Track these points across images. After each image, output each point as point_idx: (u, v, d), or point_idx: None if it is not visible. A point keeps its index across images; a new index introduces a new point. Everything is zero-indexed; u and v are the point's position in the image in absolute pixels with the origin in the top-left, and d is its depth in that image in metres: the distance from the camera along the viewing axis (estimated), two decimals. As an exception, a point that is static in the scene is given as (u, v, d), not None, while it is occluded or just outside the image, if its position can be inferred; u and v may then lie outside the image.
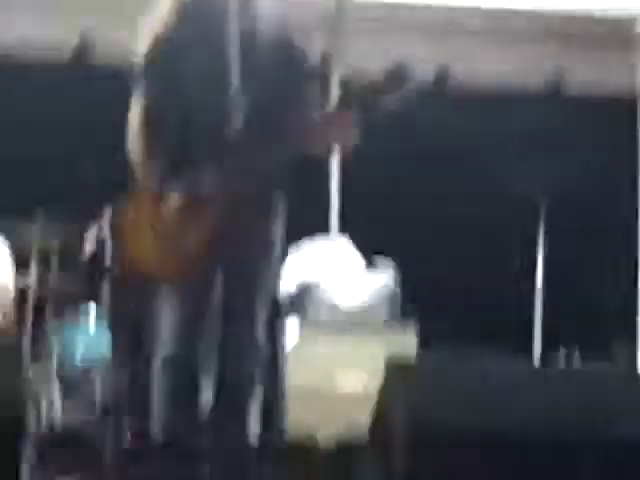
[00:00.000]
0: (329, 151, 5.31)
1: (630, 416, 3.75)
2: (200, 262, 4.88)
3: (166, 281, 4.99)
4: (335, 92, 8.67)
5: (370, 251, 8.61)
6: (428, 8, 9.16)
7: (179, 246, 4.86)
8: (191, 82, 4.96)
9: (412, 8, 9.21)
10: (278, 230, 5.11)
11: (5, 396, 3.70)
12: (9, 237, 7.58)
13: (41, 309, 7.84)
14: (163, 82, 5.00)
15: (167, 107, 5.02)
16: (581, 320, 9.19)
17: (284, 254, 5.71)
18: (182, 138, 4.95)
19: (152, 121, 4.98)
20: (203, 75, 4.94)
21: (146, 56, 5.04)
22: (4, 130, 8.62)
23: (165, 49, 5.03)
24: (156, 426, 4.97)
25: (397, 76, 4.89)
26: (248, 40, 4.97)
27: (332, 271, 8.47)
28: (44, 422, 7.18)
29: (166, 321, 5.00)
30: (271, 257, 5.10)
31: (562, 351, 8.92)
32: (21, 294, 7.71)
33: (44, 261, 7.93)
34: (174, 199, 4.82)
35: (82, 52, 9.20)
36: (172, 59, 5.00)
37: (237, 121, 4.83)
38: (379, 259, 8.53)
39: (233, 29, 4.96)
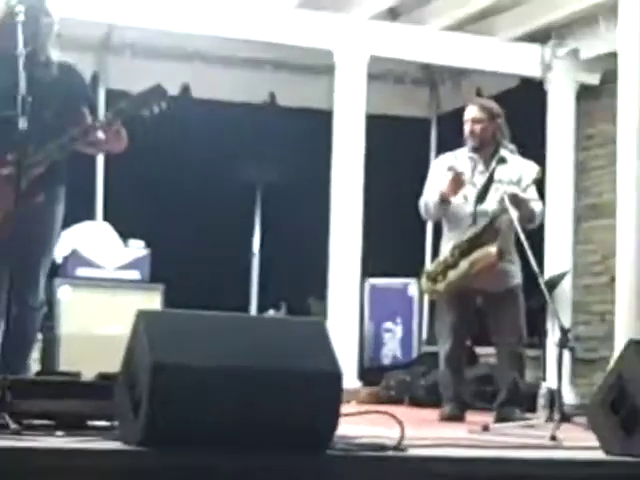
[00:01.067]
0: (99, 152, 5.48)
1: (312, 352, 3.62)
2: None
3: None
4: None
5: (128, 232, 9.05)
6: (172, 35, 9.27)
7: None
8: None
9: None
10: (60, 212, 5.25)
11: None
12: None
13: None
14: None
15: None
16: (284, 284, 9.65)
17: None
18: None
19: None
20: (3, 86, 4.86)
21: None
22: None
23: None
24: None
25: (158, 92, 5.08)
26: (40, 58, 5.03)
27: (96, 242, 8.82)
28: None
29: None
30: (55, 231, 5.27)
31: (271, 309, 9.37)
32: None
33: None
34: None
35: None
36: None
37: (22, 123, 4.55)
38: (133, 238, 8.99)
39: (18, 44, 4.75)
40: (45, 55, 5.09)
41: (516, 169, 6.53)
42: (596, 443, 4.17)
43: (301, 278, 9.67)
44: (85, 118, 5.16)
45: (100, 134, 5.11)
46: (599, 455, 4.09)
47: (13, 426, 3.74)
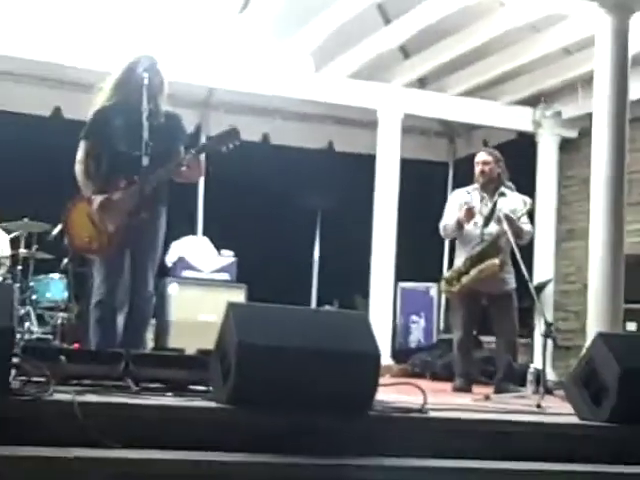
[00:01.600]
0: (185, 180, 5.07)
1: (358, 337, 3.70)
2: (115, 241, 4.86)
3: (97, 251, 5.00)
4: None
5: (221, 244, 9.10)
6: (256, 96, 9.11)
7: (102, 229, 4.87)
8: (116, 136, 4.95)
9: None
10: (162, 226, 5.09)
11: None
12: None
13: (27, 266, 7.69)
14: (98, 136, 5.04)
15: (99, 151, 5.05)
16: (339, 281, 9.51)
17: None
18: (109, 169, 4.99)
19: (89, 159, 5.03)
20: (123, 130, 4.91)
21: (91, 119, 5.10)
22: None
23: (100, 116, 5.07)
24: (91, 342, 5.05)
25: (232, 134, 4.85)
26: (151, 110, 4.80)
27: (197, 252, 8.86)
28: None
29: (97, 278, 5.03)
30: (159, 241, 5.10)
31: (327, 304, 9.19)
32: (13, 257, 7.73)
33: (30, 237, 7.75)
34: (99, 200, 4.88)
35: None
36: (105, 120, 5.04)
37: (145, 160, 4.58)
38: (224, 249, 9.03)
39: (143, 102, 4.74)
40: (157, 106, 4.98)
41: (513, 201, 6.51)
42: (572, 411, 4.19)
43: (350, 281, 9.58)
44: (180, 154, 5.06)
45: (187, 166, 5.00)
46: (574, 420, 4.12)
47: (135, 388, 3.78)
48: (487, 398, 5.35)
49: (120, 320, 4.91)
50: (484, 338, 8.58)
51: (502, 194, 6.49)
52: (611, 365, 3.95)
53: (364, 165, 9.60)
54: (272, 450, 3.29)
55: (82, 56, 7.81)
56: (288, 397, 3.48)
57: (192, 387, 4.01)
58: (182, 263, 8.71)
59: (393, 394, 4.18)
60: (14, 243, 7.80)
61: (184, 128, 5.26)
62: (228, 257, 9.01)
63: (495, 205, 6.40)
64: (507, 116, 9.67)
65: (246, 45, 8.49)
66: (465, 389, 6.42)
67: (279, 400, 3.46)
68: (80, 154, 5.04)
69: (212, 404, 3.60)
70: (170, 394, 3.82)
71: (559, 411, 4.44)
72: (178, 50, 8.16)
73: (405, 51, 9.37)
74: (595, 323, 6.40)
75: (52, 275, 7.79)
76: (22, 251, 7.67)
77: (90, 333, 5.04)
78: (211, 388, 3.81)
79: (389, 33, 8.51)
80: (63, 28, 7.94)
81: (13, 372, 3.41)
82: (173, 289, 8.34)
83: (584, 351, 4.35)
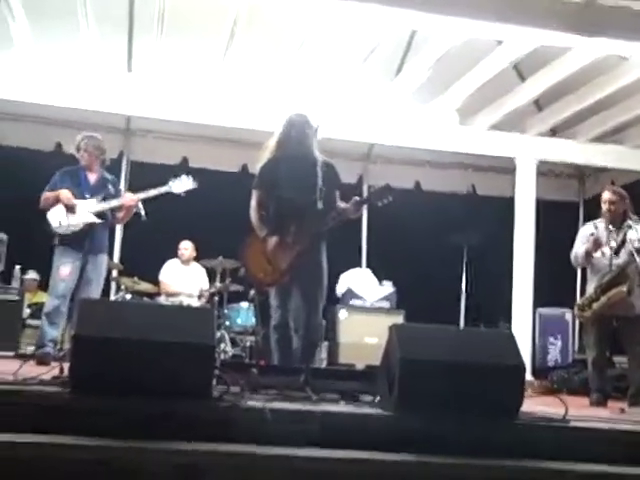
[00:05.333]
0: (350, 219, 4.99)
1: (505, 353, 3.61)
2: (286, 274, 4.94)
3: (270, 284, 5.07)
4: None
5: (382, 275, 9.14)
6: (405, 150, 9.16)
7: (275, 265, 4.92)
8: (281, 185, 4.98)
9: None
10: (324, 261, 5.02)
11: (202, 333, 3.40)
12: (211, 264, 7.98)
13: (222, 296, 7.91)
14: (266, 185, 5.07)
15: (267, 199, 5.07)
16: (483, 309, 9.40)
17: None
18: (278, 213, 5.00)
19: (261, 206, 5.08)
20: (288, 179, 4.95)
21: (259, 171, 5.15)
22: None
23: (266, 169, 5.13)
24: (274, 358, 5.10)
25: (387, 189, 4.89)
26: (311, 160, 4.99)
27: (362, 283, 8.90)
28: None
29: (273, 305, 5.12)
30: (324, 273, 5.04)
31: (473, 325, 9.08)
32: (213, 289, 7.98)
33: (224, 272, 7.92)
34: (272, 241, 4.95)
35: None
36: (271, 172, 5.07)
37: (320, 205, 4.78)
38: (385, 280, 9.06)
39: (304, 153, 4.97)
40: (313, 156, 5.02)
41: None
42: None
43: (493, 308, 9.36)
44: (336, 200, 5.05)
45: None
46: None
47: (314, 397, 3.83)
48: (622, 411, 5.13)
49: (296, 341, 4.94)
50: (616, 358, 8.23)
51: (629, 227, 6.24)
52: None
53: (503, 206, 9.46)
54: (431, 451, 3.26)
55: (261, 119, 7.96)
56: (444, 406, 3.45)
57: (361, 397, 4.01)
58: (350, 293, 8.77)
59: (536, 406, 4.11)
60: (211, 277, 8.06)
61: (339, 176, 5.23)
62: (388, 287, 9.00)
63: (625, 236, 6.17)
64: (632, 158, 9.28)
65: (400, 104, 8.53)
66: (601, 403, 6.15)
67: (437, 408, 3.44)
68: (253, 202, 5.09)
69: (379, 411, 3.63)
70: (343, 402, 3.85)
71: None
72: (343, 112, 8.33)
73: (538, 104, 9.20)
74: None
75: (242, 304, 7.99)
76: (217, 284, 7.86)
77: (273, 352, 5.11)
78: (378, 398, 3.82)
79: (524, 89, 8.42)
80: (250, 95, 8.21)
81: (214, 383, 3.51)
82: (342, 315, 8.37)
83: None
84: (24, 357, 5.77)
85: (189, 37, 8.00)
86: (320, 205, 4.79)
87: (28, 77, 7.72)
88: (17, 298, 7.45)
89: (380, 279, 9.12)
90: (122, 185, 8.79)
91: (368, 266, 9.74)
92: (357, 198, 5.03)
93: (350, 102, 8.44)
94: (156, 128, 9.08)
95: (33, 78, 7.73)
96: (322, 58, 7.98)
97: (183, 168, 8.76)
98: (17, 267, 8.01)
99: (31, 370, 4.01)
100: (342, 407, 3.72)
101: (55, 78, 7.79)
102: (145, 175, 8.65)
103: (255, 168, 5.27)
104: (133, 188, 6.59)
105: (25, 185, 6.83)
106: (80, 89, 7.82)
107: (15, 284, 7.90)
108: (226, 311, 7.84)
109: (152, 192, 6.02)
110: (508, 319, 8.88)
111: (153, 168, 9.21)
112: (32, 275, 8.48)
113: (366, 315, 8.42)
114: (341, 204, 5.02)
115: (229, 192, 8.07)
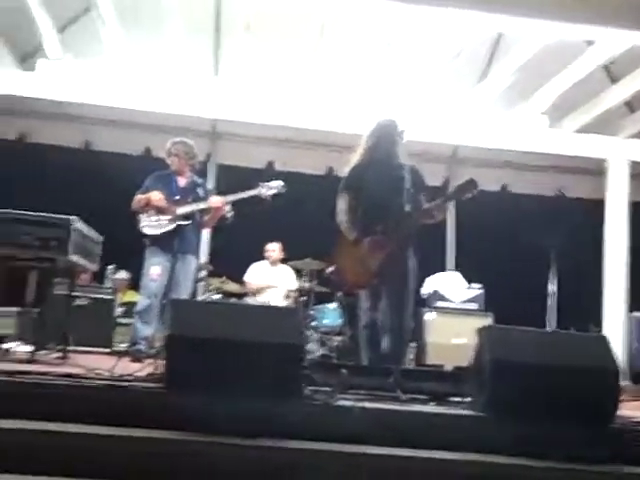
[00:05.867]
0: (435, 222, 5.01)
1: (599, 356, 3.55)
2: (376, 276, 4.98)
3: (361, 286, 5.13)
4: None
5: (470, 277, 8.95)
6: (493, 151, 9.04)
7: (366, 267, 4.96)
8: (371, 185, 5.06)
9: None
10: (414, 263, 5.08)
11: (291, 332, 3.45)
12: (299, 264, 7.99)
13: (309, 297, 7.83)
14: (355, 188, 5.14)
15: (357, 201, 5.11)
16: (572, 311, 8.72)
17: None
18: (366, 216, 5.05)
19: (350, 209, 5.11)
20: (376, 182, 5.03)
21: (348, 174, 5.22)
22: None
23: (354, 173, 5.20)
24: (362, 357, 5.09)
25: (471, 184, 4.87)
26: (398, 164, 5.09)
27: (449, 285, 8.79)
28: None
29: (363, 307, 5.15)
30: (413, 275, 5.09)
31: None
32: (299, 290, 8.06)
33: (311, 273, 7.87)
34: (362, 243, 4.99)
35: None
36: (359, 175, 5.15)
37: (403, 207, 4.84)
38: (473, 282, 8.86)
39: (392, 157, 5.08)
40: (400, 160, 5.08)
41: None
42: None
43: (583, 311, 9.05)
44: (423, 202, 5.07)
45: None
46: None
47: (403, 397, 3.84)
48: None
49: (385, 341, 4.96)
50: None
51: None
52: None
53: (592, 208, 9.21)
54: (521, 454, 3.24)
55: (347, 122, 7.99)
56: (535, 408, 3.41)
57: (451, 398, 3.99)
58: (436, 295, 8.66)
59: (635, 411, 4.02)
60: (299, 278, 8.09)
61: (424, 179, 5.25)
62: (476, 289, 8.84)
63: None
64: None
65: (486, 106, 8.43)
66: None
67: (528, 411, 3.39)
68: (341, 205, 5.14)
69: (469, 412, 3.61)
70: (433, 403, 3.85)
71: None
72: (429, 114, 8.28)
73: (631, 106, 8.96)
74: None
75: (328, 305, 7.97)
76: (305, 285, 7.88)
77: (361, 352, 5.12)
78: (468, 399, 3.80)
79: (615, 90, 8.20)
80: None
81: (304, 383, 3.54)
82: (430, 316, 8.32)
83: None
84: (118, 354, 5.92)
85: (275, 40, 8.07)
86: (408, 208, 4.83)
87: (118, 82, 7.92)
88: (110, 297, 7.66)
89: (469, 281, 8.98)
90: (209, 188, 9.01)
91: (457, 269, 9.63)
92: (441, 199, 5.06)
93: (436, 104, 8.39)
94: (242, 131, 9.16)
95: (122, 83, 7.92)
96: (407, 60, 7.96)
97: (269, 171, 8.94)
98: (109, 267, 8.22)
99: (126, 367, 4.14)
100: (432, 408, 3.72)
101: (144, 83, 7.96)
102: (232, 178, 8.78)
103: (342, 171, 5.33)
104: (220, 191, 6.68)
105: (116, 188, 7.00)
106: (168, 93, 7.98)
107: (107, 283, 8.15)
108: (313, 312, 7.82)
109: (240, 195, 6.12)
110: (598, 323, 8.67)
111: (240, 171, 9.33)
112: (123, 275, 8.70)
113: (453, 317, 8.32)
114: (423, 206, 5.05)
115: (315, 195, 8.14)
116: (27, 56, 8.40)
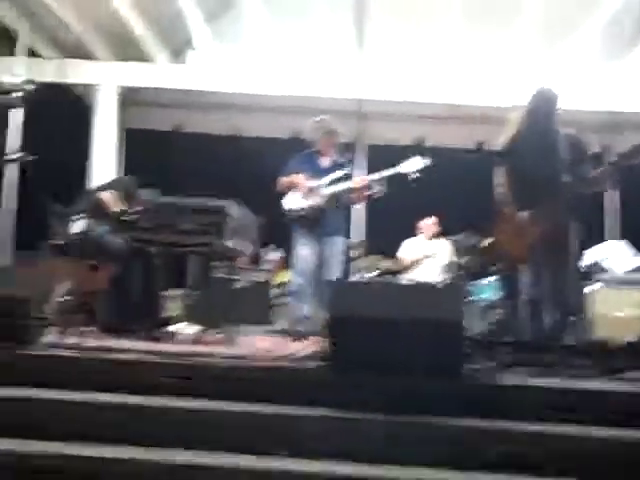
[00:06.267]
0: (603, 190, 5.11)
1: None
2: (537, 249, 4.85)
3: (521, 259, 4.99)
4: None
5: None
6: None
7: (526, 240, 4.83)
8: (528, 157, 4.90)
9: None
10: (575, 234, 4.93)
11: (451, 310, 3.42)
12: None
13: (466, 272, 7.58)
14: (513, 160, 5.00)
15: (515, 173, 4.99)
16: None
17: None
18: (525, 188, 4.88)
19: (508, 181, 4.99)
20: (534, 153, 4.87)
21: (505, 146, 5.05)
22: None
23: (512, 141, 5.01)
24: (523, 333, 4.91)
25: (636, 149, 4.66)
26: (556, 133, 4.93)
27: (612, 255, 8.17)
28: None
29: (524, 280, 4.98)
30: (574, 247, 4.95)
31: None
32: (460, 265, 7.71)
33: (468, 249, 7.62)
34: (522, 216, 4.85)
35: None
36: (516, 146, 4.99)
37: (562, 177, 4.71)
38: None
39: (549, 126, 4.91)
40: (557, 129, 4.94)
41: None
42: None
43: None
44: (586, 171, 4.85)
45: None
46: None
47: (569, 373, 3.67)
48: None
49: (547, 316, 4.83)
50: None
51: None
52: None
53: None
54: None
55: (495, 95, 7.86)
56: None
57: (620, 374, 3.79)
58: (597, 266, 8.22)
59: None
60: (455, 253, 7.89)
61: (585, 147, 5.06)
62: (640, 258, 8.43)
63: None
64: None
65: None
66: None
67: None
68: (499, 177, 5.05)
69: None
70: (602, 378, 3.68)
71: None
72: (584, 82, 8.03)
73: None
74: None
75: (486, 279, 7.74)
76: (461, 260, 7.72)
77: (522, 327, 4.96)
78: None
79: None
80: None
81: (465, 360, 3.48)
82: (593, 289, 8.01)
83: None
84: (278, 334, 6.03)
85: (420, 17, 7.96)
86: (567, 178, 4.68)
87: (264, 68, 8.07)
88: (266, 278, 7.81)
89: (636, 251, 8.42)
90: (359, 168, 8.97)
91: (622, 237, 8.97)
92: (605, 165, 4.88)
93: (591, 71, 8.10)
94: (390, 110, 9.06)
95: (269, 69, 8.06)
96: (560, 29, 7.72)
97: (418, 148, 8.84)
98: (265, 249, 8.38)
99: (286, 347, 4.24)
100: (600, 383, 3.56)
101: (290, 67, 8.07)
102: (380, 157, 8.76)
103: (492, 144, 5.21)
104: (369, 170, 6.66)
105: (267, 172, 7.11)
106: (313, 76, 8.04)
107: (264, 265, 8.32)
108: (470, 287, 7.64)
109: (383, 173, 6.08)
110: None
111: (388, 150, 9.29)
112: (278, 255, 8.85)
113: (618, 288, 7.98)
114: (589, 175, 4.87)
115: (466, 169, 8.00)
116: (178, 49, 8.71)
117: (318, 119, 6.28)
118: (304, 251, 6.00)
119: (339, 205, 6.12)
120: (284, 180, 6.16)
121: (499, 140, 5.12)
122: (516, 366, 3.78)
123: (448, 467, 2.92)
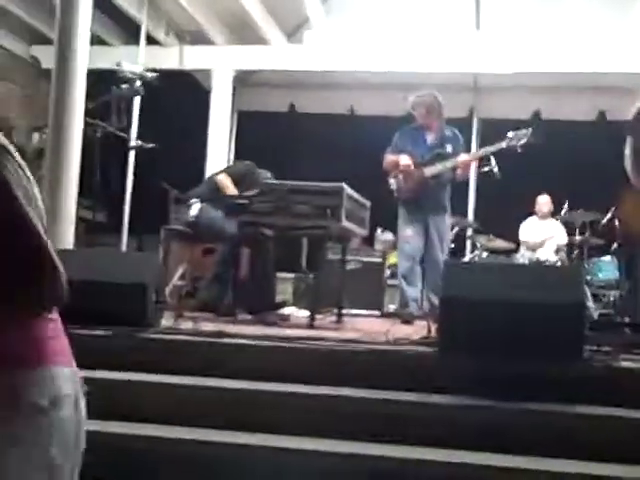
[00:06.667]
0: None
1: None
2: None
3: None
4: None
5: None
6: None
7: None
8: None
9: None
10: None
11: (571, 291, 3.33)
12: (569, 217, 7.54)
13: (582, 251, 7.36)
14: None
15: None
16: None
17: None
18: None
19: (636, 153, 4.68)
20: None
21: (633, 117, 4.80)
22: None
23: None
24: None
25: None
26: None
27: None
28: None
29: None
30: None
31: None
32: (570, 244, 7.58)
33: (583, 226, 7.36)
34: None
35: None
36: None
37: None
38: None
39: None
40: None
41: None
42: None
43: None
44: None
45: None
46: None
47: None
48: None
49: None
50: None
51: None
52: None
53: None
54: None
55: (619, 61, 7.59)
56: None
57: None
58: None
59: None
60: (570, 231, 7.70)
61: None
62: None
63: None
64: None
65: None
66: None
67: None
68: (627, 150, 4.75)
69: None
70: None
71: None
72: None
73: None
74: None
75: (603, 258, 7.56)
76: (577, 238, 7.46)
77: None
78: None
79: None
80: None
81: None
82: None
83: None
84: (389, 317, 6.00)
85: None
86: None
87: (379, 45, 7.98)
88: (379, 260, 7.80)
89: None
90: (473, 143, 8.89)
91: None
92: None
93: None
94: (505, 83, 8.82)
95: (378, 46, 7.99)
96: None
97: (534, 122, 8.59)
98: (378, 230, 8.36)
99: (398, 329, 4.19)
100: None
101: (401, 43, 7.99)
102: (495, 131, 8.55)
103: (615, 114, 4.99)
104: (484, 145, 6.49)
105: (380, 151, 7.03)
106: (428, 51, 7.97)
107: (377, 246, 8.30)
108: (587, 265, 7.39)
109: (489, 149, 5.96)
110: None
111: (503, 124, 9.04)
112: (390, 237, 8.80)
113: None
114: None
115: (586, 142, 7.73)
116: (294, 30, 8.81)
117: (420, 94, 6.17)
118: (408, 232, 5.95)
119: (444, 182, 6.02)
120: (390, 159, 6.09)
121: (629, 109, 4.91)
122: (635, 348, 3.64)
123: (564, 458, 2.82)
